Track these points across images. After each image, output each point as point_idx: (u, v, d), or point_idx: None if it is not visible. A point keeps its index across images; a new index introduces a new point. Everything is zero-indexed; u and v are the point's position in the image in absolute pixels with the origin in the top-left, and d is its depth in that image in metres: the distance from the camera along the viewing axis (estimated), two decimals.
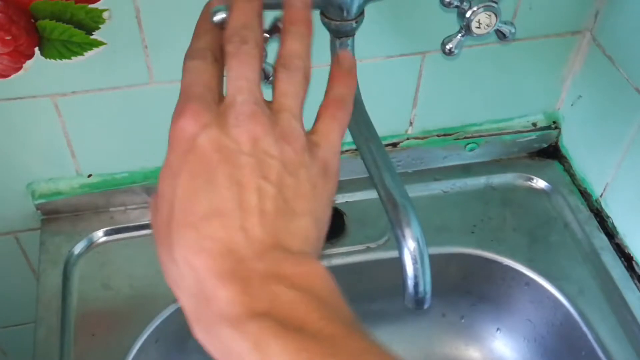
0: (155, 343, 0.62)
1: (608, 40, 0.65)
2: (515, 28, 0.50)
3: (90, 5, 0.53)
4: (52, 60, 0.56)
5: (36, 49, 0.55)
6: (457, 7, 0.48)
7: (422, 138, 0.73)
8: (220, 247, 0.30)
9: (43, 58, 0.56)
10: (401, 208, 0.48)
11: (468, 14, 0.48)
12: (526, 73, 0.70)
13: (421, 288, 0.47)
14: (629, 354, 0.62)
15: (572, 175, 0.75)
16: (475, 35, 0.49)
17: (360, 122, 0.55)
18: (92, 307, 0.62)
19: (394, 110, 0.70)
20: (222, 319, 0.29)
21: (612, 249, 0.69)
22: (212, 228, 0.31)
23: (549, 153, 0.77)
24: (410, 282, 0.47)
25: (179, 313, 0.62)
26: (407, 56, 0.65)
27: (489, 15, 0.48)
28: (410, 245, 0.47)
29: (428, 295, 0.47)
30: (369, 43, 0.62)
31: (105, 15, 0.54)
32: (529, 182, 0.75)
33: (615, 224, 0.69)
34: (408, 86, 0.68)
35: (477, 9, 0.47)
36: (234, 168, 0.31)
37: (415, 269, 0.47)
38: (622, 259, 0.68)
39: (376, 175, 0.50)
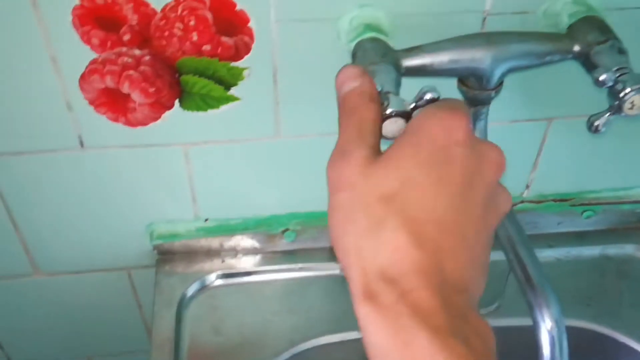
0: None
1: None
2: None
3: (233, 64, 0.54)
4: (188, 112, 0.58)
5: (176, 101, 0.57)
6: (610, 87, 0.47)
7: (537, 202, 0.71)
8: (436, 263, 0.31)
9: (180, 109, 0.58)
10: (540, 289, 0.46)
11: (622, 95, 0.46)
12: None
13: None
14: None
15: None
16: (626, 115, 0.47)
17: (509, 223, 0.54)
18: (203, 351, 0.62)
19: (512, 172, 0.68)
20: (419, 319, 0.29)
21: None
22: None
23: None
24: None
25: None
26: (533, 121, 0.64)
27: None
28: (549, 328, 0.45)
29: None
30: (496, 107, 0.61)
31: (245, 73, 0.55)
32: None
33: None
34: (530, 150, 0.66)
35: (631, 90, 0.46)
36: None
37: (552, 353, 0.45)
38: None
39: (511, 252, 0.49)
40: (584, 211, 0.72)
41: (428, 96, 0.41)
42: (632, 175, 0.71)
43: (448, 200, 0.33)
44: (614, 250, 0.72)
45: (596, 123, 0.49)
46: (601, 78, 0.46)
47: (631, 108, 0.47)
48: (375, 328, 0.30)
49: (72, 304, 0.75)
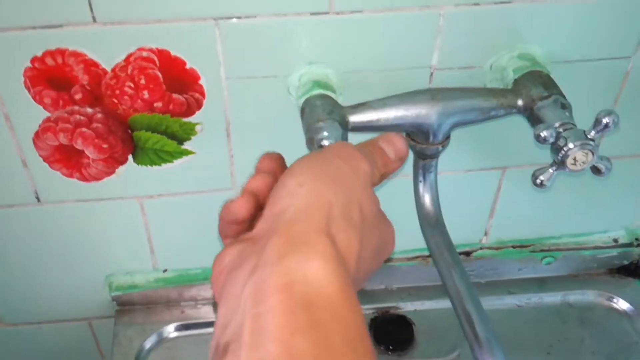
0: None
1: None
2: (611, 164, 0.49)
3: (185, 119, 0.55)
4: (143, 166, 0.58)
5: (130, 156, 0.57)
6: (552, 143, 0.47)
7: (497, 248, 0.72)
8: None
9: (135, 164, 0.58)
10: (486, 346, 0.46)
11: (564, 151, 0.47)
12: (608, 189, 0.68)
13: None
14: None
15: None
16: (569, 171, 0.48)
17: (441, 244, 0.54)
18: None
19: (470, 219, 0.69)
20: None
21: None
22: None
23: (631, 271, 0.74)
24: None
25: None
26: (487, 170, 0.64)
27: (586, 154, 0.47)
28: None
29: None
30: (450, 157, 0.62)
31: (197, 128, 0.56)
32: (609, 302, 0.72)
33: None
34: (486, 198, 0.67)
35: (574, 147, 0.47)
36: None
37: None
38: None
39: (459, 307, 0.49)
40: (544, 257, 0.72)
41: None
42: (591, 222, 0.71)
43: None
44: (575, 296, 0.72)
45: (540, 178, 0.49)
46: (542, 135, 0.47)
47: (574, 164, 0.48)
48: None
49: (35, 355, 0.74)
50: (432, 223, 0.55)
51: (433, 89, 0.53)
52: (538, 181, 0.49)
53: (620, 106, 0.60)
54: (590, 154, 0.47)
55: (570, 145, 0.47)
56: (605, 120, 0.46)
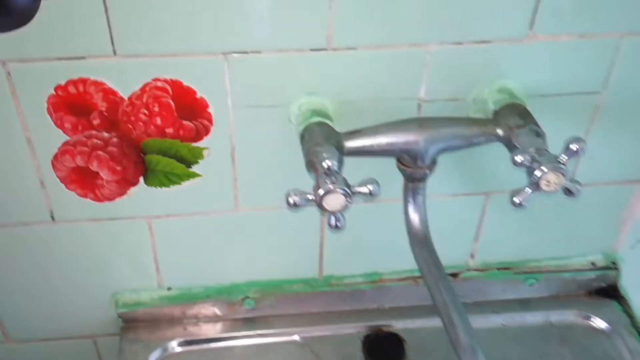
0: None
1: None
2: (581, 185, 0.54)
3: (193, 144, 0.60)
4: (153, 188, 0.63)
5: (141, 178, 0.62)
6: (527, 167, 0.52)
7: (483, 270, 0.76)
8: None
9: (146, 186, 0.62)
10: (470, 352, 0.50)
11: (538, 174, 0.52)
12: (586, 214, 0.73)
13: None
14: None
15: (631, 317, 0.76)
16: (543, 192, 0.53)
17: (429, 260, 0.59)
18: None
19: (456, 242, 0.74)
20: None
21: None
22: None
23: (608, 293, 0.78)
24: None
25: None
26: (471, 195, 0.69)
27: (558, 176, 0.52)
28: None
29: None
30: (437, 182, 0.66)
31: (205, 152, 0.61)
32: (588, 321, 0.76)
33: None
34: (471, 222, 0.72)
35: (547, 170, 0.52)
36: None
37: None
38: None
39: (445, 317, 0.53)
40: (527, 279, 0.77)
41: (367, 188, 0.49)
42: (571, 246, 0.76)
43: None
44: (556, 316, 0.76)
45: (517, 199, 0.54)
46: (517, 159, 0.52)
47: (547, 185, 0.53)
48: None
49: None
50: (421, 241, 0.59)
51: (421, 118, 0.58)
52: (516, 201, 0.54)
53: (593, 136, 0.66)
54: (561, 176, 0.52)
55: (544, 168, 0.52)
56: (573, 147, 0.51)
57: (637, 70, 0.61)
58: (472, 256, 0.75)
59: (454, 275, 0.76)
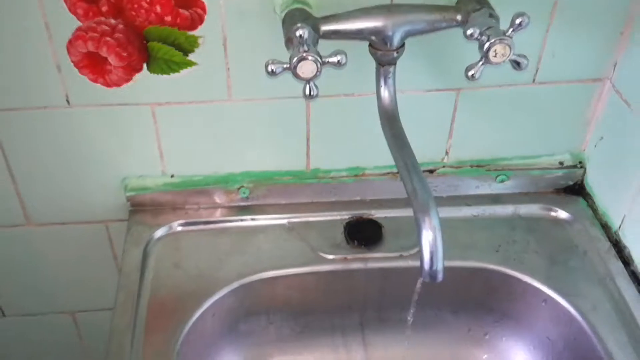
0: (212, 316, 0.73)
1: (625, 87, 0.74)
2: (527, 60, 0.61)
3: (190, 32, 0.68)
4: (154, 75, 0.71)
5: (144, 65, 0.70)
6: (477, 39, 0.59)
7: (457, 167, 0.83)
8: None
9: (148, 73, 0.71)
10: (424, 199, 0.58)
11: (487, 45, 0.59)
12: (553, 114, 0.80)
13: (435, 266, 0.57)
14: None
15: (594, 210, 0.82)
16: (493, 63, 0.60)
17: (395, 134, 0.66)
18: (164, 282, 0.73)
19: (432, 140, 0.81)
20: None
21: (627, 275, 0.75)
22: None
23: (575, 190, 0.85)
24: (427, 260, 0.57)
25: (234, 293, 0.73)
26: (443, 91, 0.76)
27: (504, 47, 0.59)
28: (428, 229, 0.56)
29: (441, 270, 0.56)
30: (411, 76, 0.73)
31: (200, 40, 0.68)
32: (554, 214, 0.83)
33: (632, 253, 0.76)
34: (445, 119, 0.79)
35: (494, 40, 0.59)
36: None
37: (431, 247, 0.56)
38: (636, 283, 0.74)
39: (406, 176, 0.60)
40: (498, 176, 0.83)
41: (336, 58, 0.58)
42: (540, 145, 0.83)
43: None
44: (525, 210, 0.83)
45: (471, 72, 0.61)
46: (468, 32, 0.59)
47: (495, 56, 0.60)
48: None
49: (58, 256, 0.87)
50: (389, 117, 0.66)
51: (390, 4, 0.65)
52: (469, 74, 0.61)
53: (553, 33, 0.72)
54: (508, 48, 0.59)
55: (492, 39, 0.59)
56: (518, 20, 0.58)
57: None
58: (447, 153, 0.82)
59: (431, 171, 0.83)
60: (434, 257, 0.57)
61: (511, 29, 0.59)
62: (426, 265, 0.57)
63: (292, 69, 0.59)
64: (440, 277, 0.57)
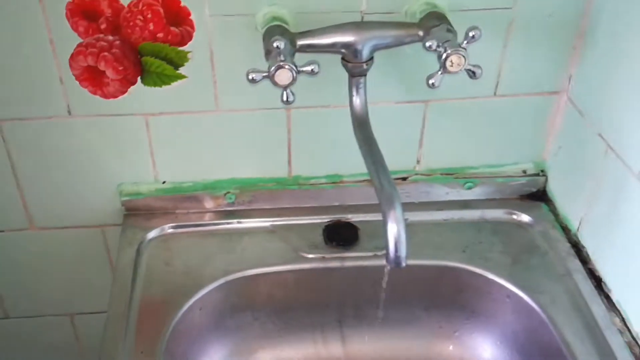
0: (200, 310, 0.78)
1: (580, 99, 0.82)
2: (481, 70, 0.68)
3: (180, 48, 0.75)
4: (148, 87, 0.78)
5: (139, 78, 0.77)
6: (435, 50, 0.67)
7: (428, 175, 0.90)
8: None
9: (142, 85, 0.78)
10: (389, 193, 0.64)
11: (443, 56, 0.66)
12: (515, 126, 0.87)
13: (399, 252, 0.63)
14: (591, 353, 0.73)
15: (556, 215, 0.88)
16: (450, 72, 0.67)
17: (366, 137, 0.73)
18: (156, 277, 0.79)
19: (404, 149, 0.88)
20: None
21: (584, 272, 0.81)
22: None
23: (538, 196, 0.91)
24: (391, 247, 0.63)
25: (219, 290, 0.79)
26: (412, 103, 0.83)
27: (459, 57, 0.66)
28: (393, 218, 0.62)
29: (404, 256, 0.62)
30: (382, 89, 0.81)
31: (189, 55, 0.76)
32: (518, 218, 0.89)
33: (589, 252, 0.82)
34: (415, 129, 0.86)
35: (451, 51, 0.66)
36: None
37: (395, 235, 0.62)
38: (592, 279, 0.80)
39: (374, 173, 0.67)
40: (466, 183, 0.90)
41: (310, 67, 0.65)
42: (504, 155, 0.89)
43: None
44: (491, 214, 0.89)
45: (431, 81, 0.68)
46: (427, 44, 0.66)
47: (452, 65, 0.67)
48: None
49: (58, 259, 0.92)
50: (360, 123, 0.73)
51: (358, 22, 0.73)
52: (430, 82, 0.68)
53: (511, 49, 0.79)
54: (463, 58, 0.66)
55: (449, 50, 0.66)
56: (471, 33, 0.66)
57: None
58: (418, 162, 0.89)
59: (404, 178, 0.90)
60: (398, 243, 0.63)
61: (465, 41, 0.66)
62: (391, 252, 0.63)
63: (270, 77, 0.66)
64: (403, 262, 0.63)
